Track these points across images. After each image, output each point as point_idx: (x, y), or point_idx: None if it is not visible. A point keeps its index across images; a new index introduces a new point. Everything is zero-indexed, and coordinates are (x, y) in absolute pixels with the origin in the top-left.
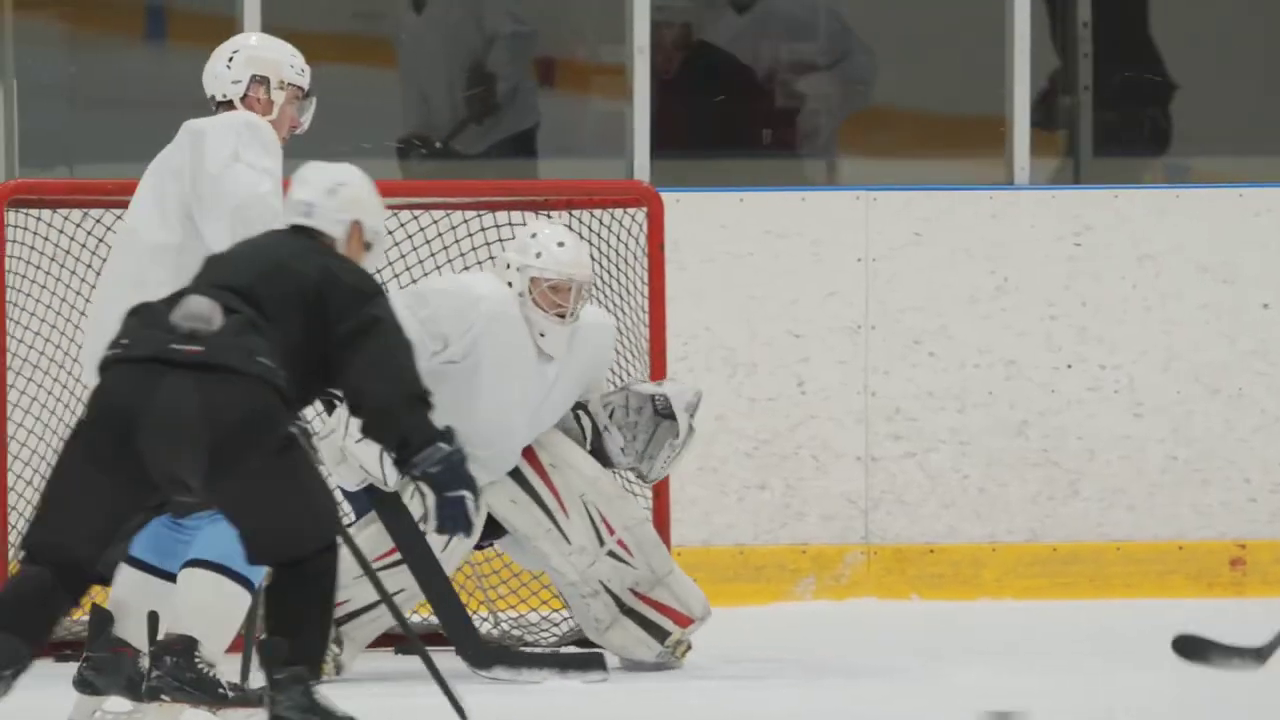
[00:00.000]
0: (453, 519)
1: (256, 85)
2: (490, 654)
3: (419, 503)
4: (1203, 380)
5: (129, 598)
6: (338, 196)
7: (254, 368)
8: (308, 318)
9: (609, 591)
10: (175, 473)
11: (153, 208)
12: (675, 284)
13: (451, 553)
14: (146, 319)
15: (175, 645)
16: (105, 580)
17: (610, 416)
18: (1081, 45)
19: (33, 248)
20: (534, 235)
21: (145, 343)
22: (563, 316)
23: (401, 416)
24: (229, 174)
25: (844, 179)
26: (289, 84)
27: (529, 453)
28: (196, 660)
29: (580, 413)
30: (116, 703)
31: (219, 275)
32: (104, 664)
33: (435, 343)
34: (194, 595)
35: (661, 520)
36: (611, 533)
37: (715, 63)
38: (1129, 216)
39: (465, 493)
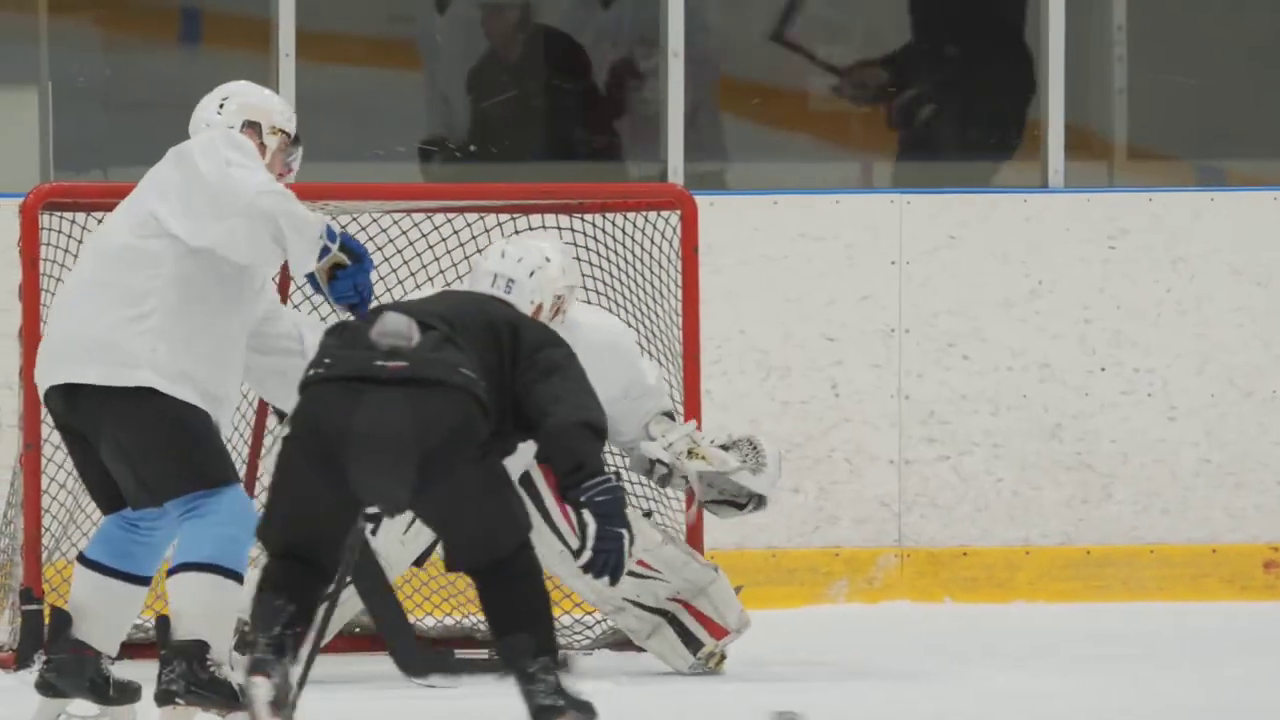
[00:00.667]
0: (605, 555)
1: (248, 131)
2: (425, 661)
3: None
4: (1237, 383)
5: (87, 600)
6: (536, 279)
7: (458, 379)
8: (499, 350)
9: (638, 605)
10: (383, 488)
11: (125, 213)
12: (709, 287)
13: (395, 560)
14: (346, 338)
15: (187, 649)
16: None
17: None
18: (1116, 47)
19: (67, 250)
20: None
21: (347, 361)
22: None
23: (580, 441)
24: (228, 178)
25: (878, 182)
26: (279, 129)
27: (548, 473)
28: (208, 662)
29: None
30: (80, 706)
31: (415, 305)
32: (65, 666)
33: None
34: (192, 599)
35: (695, 523)
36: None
37: None
38: (1163, 219)
39: (625, 533)
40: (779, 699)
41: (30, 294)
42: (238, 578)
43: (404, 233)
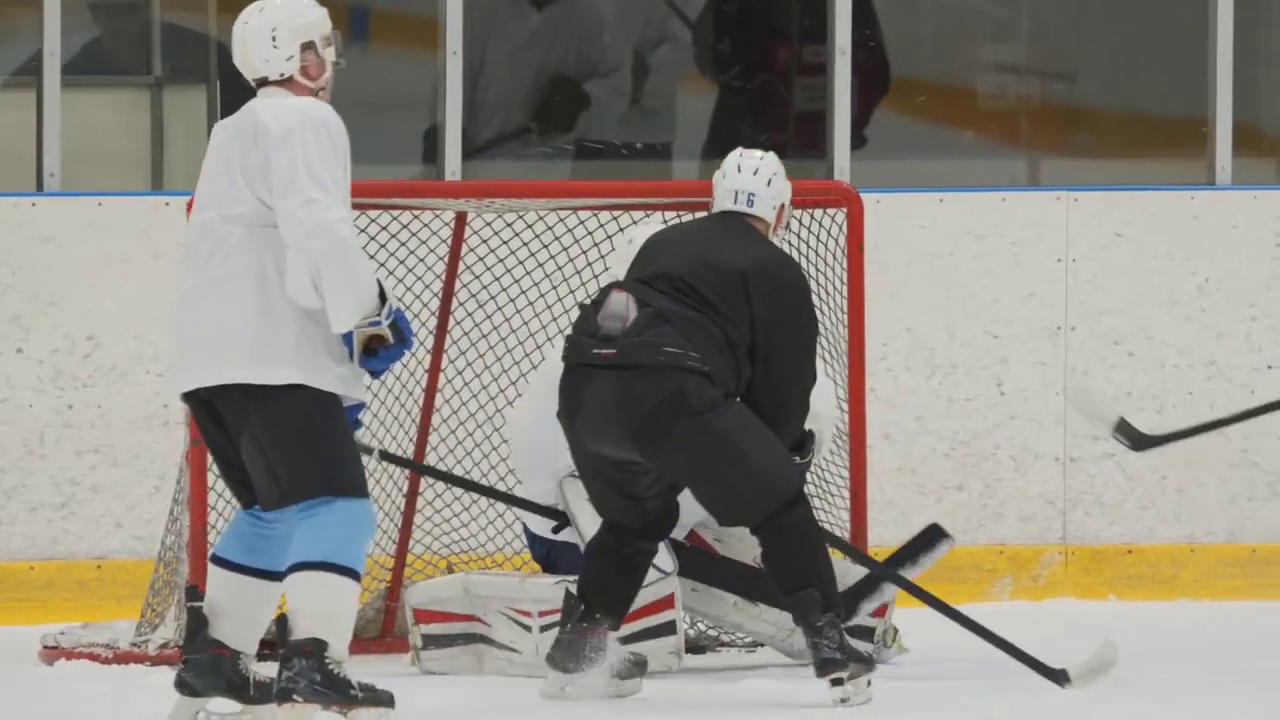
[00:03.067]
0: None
1: (306, 53)
2: None
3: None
4: None
5: (221, 598)
6: (774, 186)
7: (660, 359)
8: (742, 304)
9: None
10: (622, 456)
11: (223, 199)
12: (875, 284)
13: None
14: (579, 324)
15: (305, 648)
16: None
17: None
18: None
19: None
20: (630, 242)
21: (577, 349)
22: None
23: (799, 413)
24: (298, 206)
25: (1045, 179)
26: (326, 36)
27: (694, 536)
28: (327, 661)
29: None
30: (218, 704)
31: (651, 267)
32: (203, 666)
33: None
34: (308, 598)
35: (859, 521)
36: None
37: None
38: None
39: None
40: (941, 697)
41: None
42: (355, 575)
43: (570, 230)
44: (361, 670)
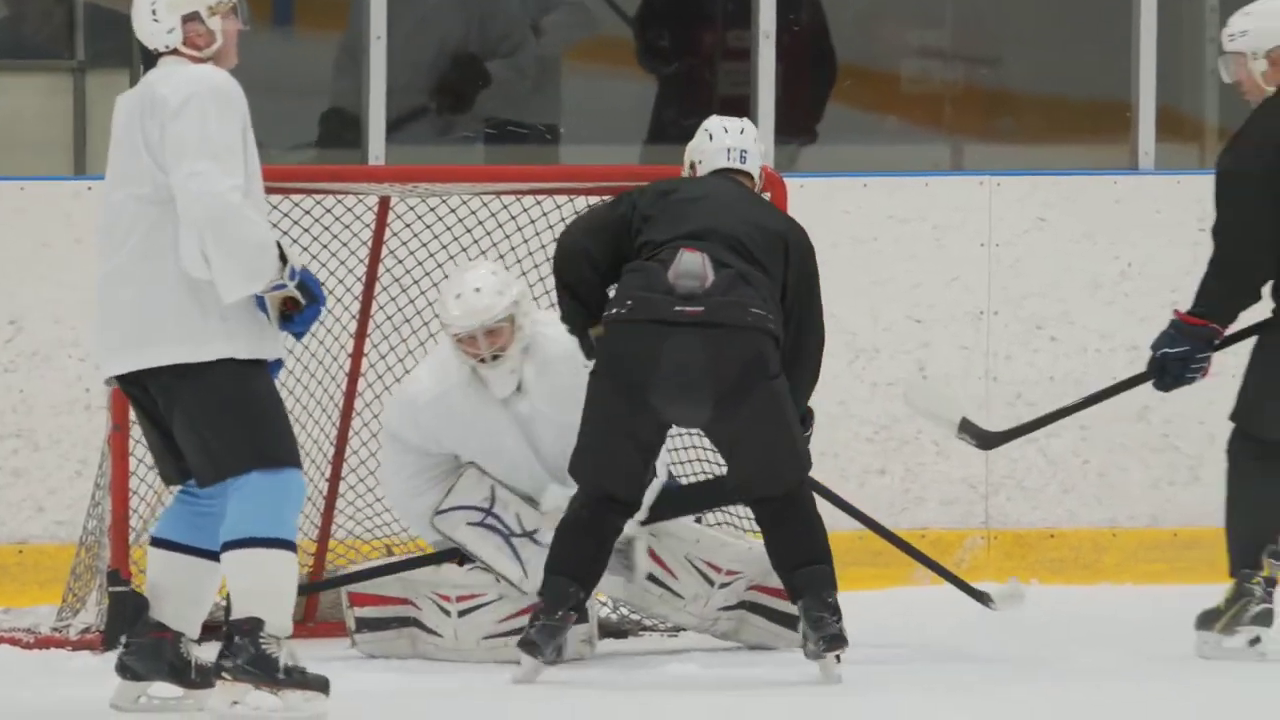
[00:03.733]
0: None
1: (189, 24)
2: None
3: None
4: None
5: (162, 579)
6: (758, 145)
7: (748, 319)
8: (782, 266)
9: (725, 609)
10: (683, 415)
11: (128, 180)
12: None
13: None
14: (644, 281)
15: (243, 626)
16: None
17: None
18: (1208, 29)
19: None
20: (441, 287)
21: (649, 305)
22: (483, 361)
23: (814, 381)
24: (186, 178)
25: (968, 164)
26: (215, 7)
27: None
28: (261, 639)
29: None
30: (160, 688)
31: (694, 224)
32: (144, 649)
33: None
34: (243, 576)
35: None
36: (719, 570)
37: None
38: None
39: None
40: (864, 680)
41: None
42: (289, 546)
43: (493, 214)
44: (306, 653)
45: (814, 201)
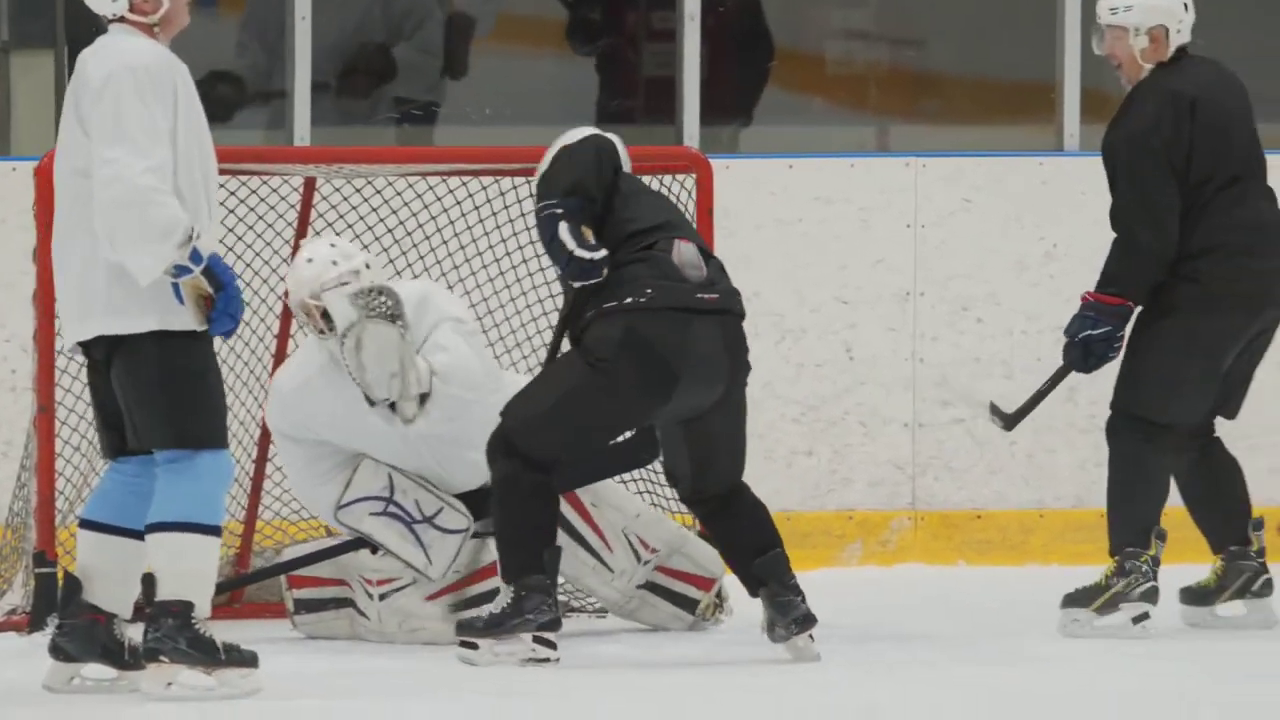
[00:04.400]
0: None
1: (140, 6)
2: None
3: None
4: None
5: (93, 561)
6: None
7: (741, 308)
8: None
9: (638, 585)
10: (697, 403)
11: (75, 154)
12: (724, 250)
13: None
14: (656, 270)
15: (173, 608)
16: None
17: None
18: None
19: None
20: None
21: (670, 293)
22: (321, 334)
23: None
24: (100, 165)
25: (894, 145)
26: None
27: (570, 495)
28: (194, 621)
29: None
30: (93, 669)
31: (672, 213)
32: (77, 631)
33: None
34: (171, 559)
35: None
36: (648, 548)
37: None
38: None
39: None
40: (790, 661)
41: (44, 257)
42: (215, 531)
43: (419, 195)
44: (243, 635)
45: (740, 184)
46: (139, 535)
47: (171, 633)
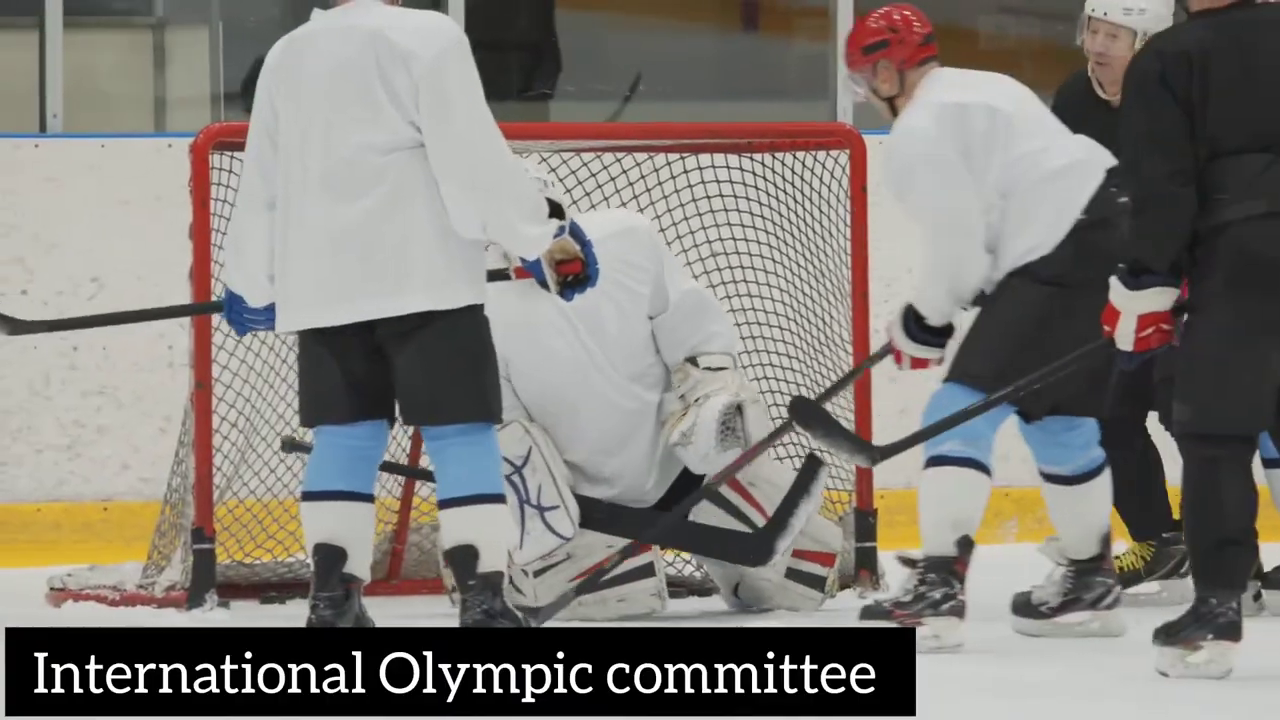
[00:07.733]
0: None
1: None
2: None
3: None
4: None
5: (339, 529)
6: None
7: None
8: None
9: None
10: None
11: (370, 126)
12: (878, 225)
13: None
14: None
15: (493, 580)
16: None
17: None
18: None
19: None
20: None
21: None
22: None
23: None
24: (484, 138)
25: None
26: None
27: (732, 480)
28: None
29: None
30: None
31: None
32: (336, 602)
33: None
34: (493, 530)
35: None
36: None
37: None
38: None
39: None
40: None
41: (201, 234)
42: (502, 499)
43: (573, 172)
44: (394, 610)
45: None
46: (368, 499)
47: (503, 602)
